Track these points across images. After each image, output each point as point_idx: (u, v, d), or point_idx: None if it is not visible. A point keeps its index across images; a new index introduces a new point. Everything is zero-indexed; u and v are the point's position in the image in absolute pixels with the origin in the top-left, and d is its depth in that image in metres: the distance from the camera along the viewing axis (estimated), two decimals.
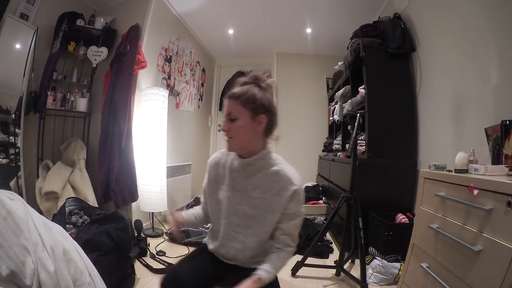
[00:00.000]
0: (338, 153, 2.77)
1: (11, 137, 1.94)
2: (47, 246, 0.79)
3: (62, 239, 0.84)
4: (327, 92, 3.93)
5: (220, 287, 1.05)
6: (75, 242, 0.93)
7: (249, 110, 0.93)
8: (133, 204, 2.28)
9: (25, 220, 0.78)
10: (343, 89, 2.83)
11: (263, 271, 0.94)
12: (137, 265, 1.60)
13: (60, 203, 1.81)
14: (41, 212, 1.83)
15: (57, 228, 0.86)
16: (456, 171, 1.05)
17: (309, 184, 3.46)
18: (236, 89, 0.95)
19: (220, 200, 1.04)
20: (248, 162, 1.00)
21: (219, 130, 4.57)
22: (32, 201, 1.91)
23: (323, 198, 3.07)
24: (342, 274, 1.62)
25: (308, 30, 3.34)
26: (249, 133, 0.95)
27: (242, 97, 0.93)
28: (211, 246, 1.09)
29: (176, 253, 1.90)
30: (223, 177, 1.05)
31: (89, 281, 0.85)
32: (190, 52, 3.52)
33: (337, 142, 3.05)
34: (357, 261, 1.68)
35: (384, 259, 1.62)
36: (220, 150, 1.10)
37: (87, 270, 0.86)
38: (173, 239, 2.14)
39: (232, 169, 1.03)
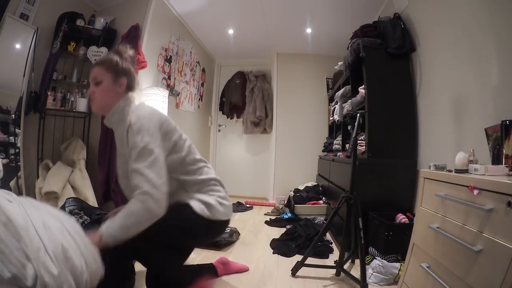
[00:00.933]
0: (338, 153, 2.77)
1: (11, 137, 1.94)
2: (49, 251, 0.79)
3: (61, 237, 0.85)
4: (327, 92, 3.93)
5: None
6: (65, 217, 0.91)
7: (111, 74, 1.08)
8: None
9: (25, 226, 0.78)
10: (343, 89, 2.83)
11: (105, 226, 0.93)
12: (137, 265, 1.59)
13: (60, 203, 1.81)
14: None
15: (55, 223, 0.86)
16: (456, 171, 1.05)
17: (309, 184, 3.46)
18: (101, 58, 1.14)
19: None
20: (107, 120, 1.13)
21: (219, 130, 4.57)
22: None
23: (323, 198, 3.07)
24: (342, 274, 1.62)
25: (308, 30, 3.34)
26: (111, 93, 1.09)
27: (106, 63, 1.09)
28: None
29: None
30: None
31: (82, 264, 0.87)
32: (190, 52, 3.53)
33: (337, 142, 3.05)
34: (357, 261, 1.68)
35: (384, 259, 1.62)
36: None
37: (80, 252, 0.86)
38: None
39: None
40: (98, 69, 1.08)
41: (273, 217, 3.06)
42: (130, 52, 1.16)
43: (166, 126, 1.08)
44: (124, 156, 1.09)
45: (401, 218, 1.77)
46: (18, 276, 0.72)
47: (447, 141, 1.70)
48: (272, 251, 2.07)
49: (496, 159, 1.14)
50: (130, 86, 1.14)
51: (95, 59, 2.30)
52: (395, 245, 1.62)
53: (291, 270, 1.67)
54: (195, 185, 1.13)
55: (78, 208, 1.56)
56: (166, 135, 1.07)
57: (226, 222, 1.19)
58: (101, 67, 1.08)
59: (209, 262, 1.62)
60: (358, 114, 1.58)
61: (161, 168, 0.98)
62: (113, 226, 0.92)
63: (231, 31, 3.53)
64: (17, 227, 0.77)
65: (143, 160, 0.95)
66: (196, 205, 1.07)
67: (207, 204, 1.09)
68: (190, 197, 1.10)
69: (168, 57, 2.92)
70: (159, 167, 0.97)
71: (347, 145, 2.60)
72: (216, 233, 1.26)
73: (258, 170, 4.39)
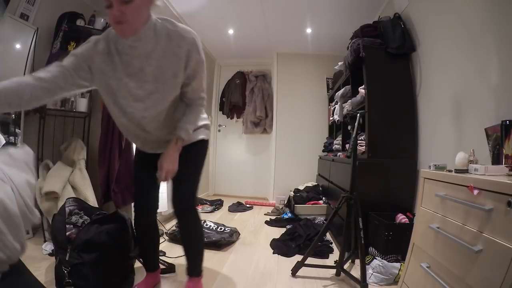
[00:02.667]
0: (338, 153, 2.77)
1: (11, 137, 1.94)
2: None
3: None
4: (327, 92, 3.93)
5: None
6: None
7: None
8: (133, 204, 2.28)
9: (18, 214, 0.82)
10: (343, 89, 2.83)
11: (180, 129, 1.10)
12: (137, 265, 1.60)
13: (60, 203, 1.81)
14: (40, 212, 1.83)
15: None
16: (456, 171, 1.05)
17: (309, 184, 3.46)
18: None
19: (118, 98, 1.05)
20: (137, 38, 0.95)
21: (219, 130, 4.57)
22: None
23: (323, 198, 3.07)
24: (342, 274, 1.62)
25: (308, 30, 3.34)
26: (145, 9, 0.92)
27: None
28: (139, 148, 1.29)
29: (176, 253, 1.90)
30: (112, 66, 1.01)
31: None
32: None
33: (337, 142, 3.06)
34: (357, 261, 1.68)
35: (384, 259, 1.62)
36: (95, 37, 1.09)
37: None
38: (173, 239, 2.15)
39: (119, 53, 1.00)
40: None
41: (273, 217, 3.06)
42: None
43: None
44: (149, 75, 1.01)
45: (401, 218, 1.77)
46: (12, 258, 0.80)
47: (447, 141, 1.70)
48: (272, 251, 2.07)
49: (496, 159, 1.14)
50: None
51: None
52: (395, 245, 1.62)
53: (291, 270, 1.67)
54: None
55: (78, 208, 1.55)
56: None
57: None
58: None
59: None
60: (358, 114, 1.58)
61: None
62: (186, 126, 1.14)
63: (231, 31, 3.53)
64: (13, 217, 0.80)
65: (204, 77, 1.14)
66: (205, 135, 1.31)
67: (207, 126, 1.34)
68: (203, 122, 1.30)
69: None
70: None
71: (347, 145, 2.60)
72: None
73: (258, 170, 4.39)
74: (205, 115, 1.35)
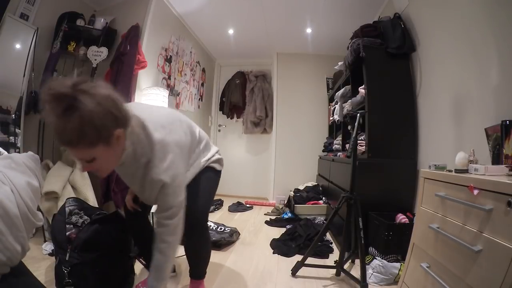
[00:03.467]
0: (338, 153, 2.77)
1: (11, 137, 1.94)
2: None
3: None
4: (327, 92, 3.93)
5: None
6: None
7: (101, 143, 0.75)
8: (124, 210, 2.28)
9: (18, 215, 0.83)
10: (343, 89, 2.83)
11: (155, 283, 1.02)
12: (137, 265, 1.60)
13: (60, 203, 1.81)
14: (41, 212, 1.83)
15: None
16: (456, 171, 1.05)
17: (309, 184, 3.46)
18: (67, 133, 0.70)
19: None
20: (121, 165, 0.96)
21: (219, 130, 4.57)
22: None
23: (323, 198, 3.07)
24: (342, 274, 1.62)
25: (308, 30, 3.34)
26: (114, 157, 0.86)
27: (83, 141, 0.71)
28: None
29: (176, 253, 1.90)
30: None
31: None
32: (190, 52, 3.53)
33: (337, 142, 3.05)
34: (357, 261, 1.68)
35: (384, 259, 1.62)
36: None
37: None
38: None
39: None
40: (74, 150, 0.74)
41: (273, 217, 3.06)
42: (91, 85, 0.73)
43: (191, 140, 1.15)
44: (139, 185, 1.06)
45: (401, 218, 1.77)
46: (12, 259, 0.80)
47: (447, 141, 1.69)
48: (272, 251, 2.07)
49: (496, 159, 1.14)
50: (126, 123, 0.83)
51: (95, 59, 2.29)
52: (395, 245, 1.62)
53: (291, 270, 1.67)
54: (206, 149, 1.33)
55: (78, 208, 1.55)
56: (192, 146, 1.17)
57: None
58: (76, 147, 0.73)
59: None
60: (358, 114, 1.58)
61: (184, 187, 1.06)
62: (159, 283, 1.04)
63: (231, 31, 3.53)
64: (12, 217, 0.80)
65: (172, 210, 1.01)
66: (217, 166, 1.35)
67: (220, 160, 1.38)
68: (208, 157, 1.31)
69: (168, 57, 2.92)
70: (183, 189, 1.05)
71: (347, 145, 2.59)
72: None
73: (258, 170, 4.38)
74: (213, 149, 1.36)
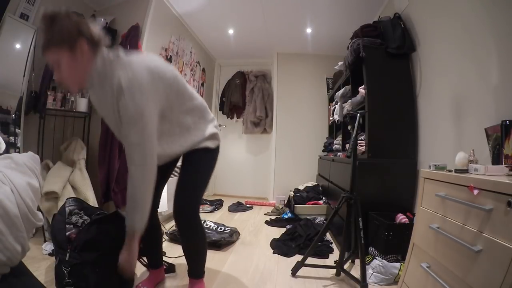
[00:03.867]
0: (338, 153, 2.77)
1: (11, 137, 1.93)
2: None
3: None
4: (327, 92, 3.93)
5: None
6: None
7: (62, 47, 0.90)
8: None
9: (18, 215, 0.83)
10: (343, 89, 2.83)
11: (127, 227, 1.02)
12: (137, 265, 1.60)
13: (60, 203, 1.81)
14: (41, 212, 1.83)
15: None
16: (456, 171, 1.05)
17: (309, 184, 3.46)
18: (44, 38, 0.90)
19: None
20: (89, 86, 1.02)
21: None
22: None
23: (323, 198, 3.07)
24: (342, 274, 1.62)
25: (308, 30, 3.34)
26: (77, 65, 0.94)
27: (50, 41, 0.90)
28: None
29: (176, 253, 1.90)
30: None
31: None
32: (190, 52, 3.52)
33: (337, 142, 3.05)
34: (357, 261, 1.68)
35: (384, 259, 1.62)
36: None
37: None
38: (173, 239, 2.15)
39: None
40: (47, 52, 0.92)
41: (273, 217, 3.06)
42: (62, 10, 0.92)
43: (166, 80, 1.04)
44: (112, 115, 1.04)
45: (401, 218, 1.77)
46: (12, 259, 0.81)
47: (447, 141, 1.70)
48: (272, 251, 2.07)
49: (496, 159, 1.14)
50: (95, 42, 0.95)
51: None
52: (395, 245, 1.62)
53: (291, 270, 1.67)
54: (199, 119, 1.24)
55: (78, 208, 1.55)
56: (166, 89, 1.05)
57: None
58: (48, 49, 0.91)
59: None
60: (358, 114, 1.58)
61: (152, 132, 1.00)
62: (130, 221, 1.02)
63: (231, 31, 3.53)
64: (12, 217, 0.80)
65: (133, 127, 0.96)
66: (210, 144, 1.24)
67: (214, 135, 1.28)
68: (201, 135, 1.22)
69: (168, 57, 2.92)
70: (149, 130, 0.98)
71: (347, 145, 2.60)
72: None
73: (258, 170, 4.39)
74: (210, 123, 1.29)
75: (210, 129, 1.27)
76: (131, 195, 1.00)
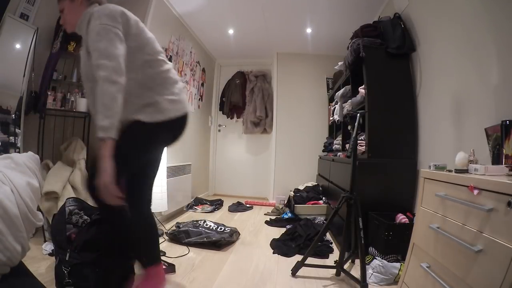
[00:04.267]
0: (338, 153, 2.77)
1: (11, 137, 1.93)
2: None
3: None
4: (327, 92, 3.93)
5: None
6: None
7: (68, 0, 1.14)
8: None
9: (18, 215, 0.83)
10: (343, 89, 2.83)
11: (97, 127, 0.94)
12: (137, 265, 1.60)
13: (60, 203, 1.81)
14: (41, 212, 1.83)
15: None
16: (456, 171, 1.05)
17: (309, 184, 3.46)
18: None
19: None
20: (77, 30, 1.17)
21: (219, 130, 4.57)
22: None
23: (323, 198, 3.07)
24: (342, 274, 1.62)
25: (308, 30, 3.34)
26: (74, 11, 1.16)
27: None
28: None
29: (176, 253, 1.90)
30: None
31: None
32: (190, 52, 3.52)
33: (337, 142, 3.06)
34: (357, 261, 1.68)
35: (384, 259, 1.62)
36: None
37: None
38: (173, 239, 2.14)
39: None
40: (59, 2, 1.19)
41: (273, 217, 3.06)
42: None
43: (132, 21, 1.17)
44: (86, 56, 1.10)
45: (401, 218, 1.77)
46: (12, 259, 0.81)
47: (447, 141, 1.70)
48: (272, 251, 2.07)
49: (496, 159, 1.14)
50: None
51: None
52: (395, 245, 1.62)
53: (291, 270, 1.68)
54: (159, 84, 1.16)
55: (78, 208, 1.55)
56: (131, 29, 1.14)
57: (182, 118, 1.19)
58: (59, 1, 1.18)
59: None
60: (358, 114, 1.58)
61: (119, 42, 1.03)
62: (100, 121, 0.94)
63: (231, 31, 3.53)
64: (12, 218, 0.80)
65: (99, 40, 1.00)
66: (142, 117, 1.08)
67: (155, 104, 1.10)
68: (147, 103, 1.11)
69: (168, 57, 2.92)
70: (117, 41, 1.03)
71: (347, 145, 2.60)
72: (177, 130, 1.24)
73: (258, 170, 4.39)
74: (169, 89, 1.16)
75: (150, 96, 1.11)
76: (98, 96, 0.95)
